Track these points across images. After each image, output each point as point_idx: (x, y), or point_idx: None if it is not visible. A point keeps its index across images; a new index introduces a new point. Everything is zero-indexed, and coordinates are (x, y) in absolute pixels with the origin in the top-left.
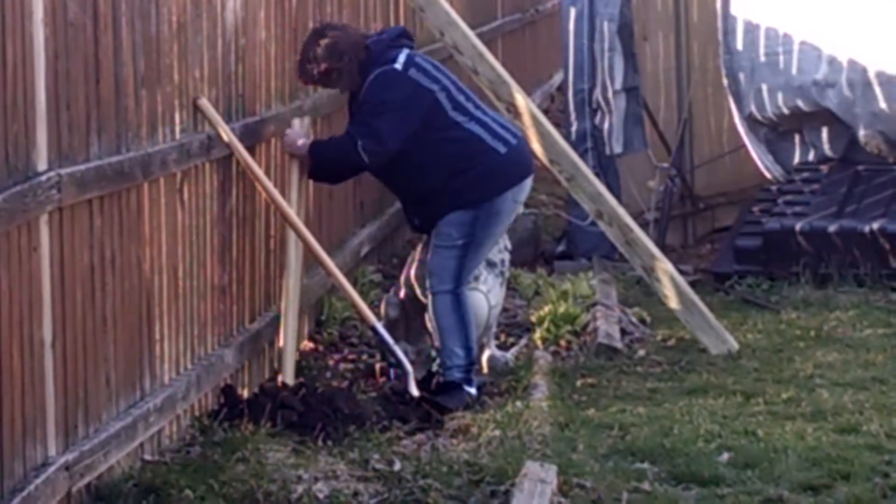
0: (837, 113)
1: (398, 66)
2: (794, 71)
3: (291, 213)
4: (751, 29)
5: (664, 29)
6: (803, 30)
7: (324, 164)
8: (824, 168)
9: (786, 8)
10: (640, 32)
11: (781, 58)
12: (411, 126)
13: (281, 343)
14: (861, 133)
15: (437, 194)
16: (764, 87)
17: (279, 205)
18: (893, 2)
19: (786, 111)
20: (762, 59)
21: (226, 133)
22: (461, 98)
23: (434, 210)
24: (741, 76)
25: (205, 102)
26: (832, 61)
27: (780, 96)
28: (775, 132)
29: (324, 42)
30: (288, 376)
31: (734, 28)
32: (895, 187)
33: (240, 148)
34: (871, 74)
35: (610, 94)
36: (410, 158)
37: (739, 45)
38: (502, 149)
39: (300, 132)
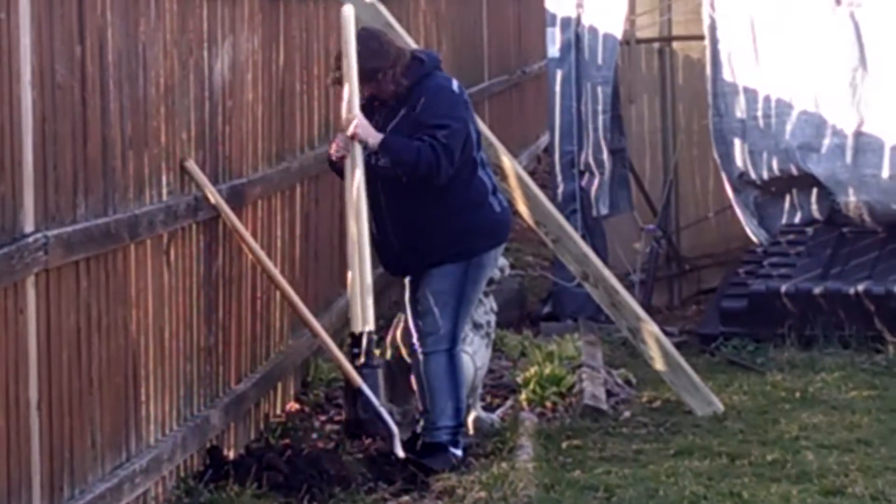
0: (821, 179)
1: (456, 89)
2: (785, 135)
3: (277, 274)
4: (742, 92)
5: (650, 91)
6: (795, 95)
7: (397, 160)
8: (810, 230)
9: (777, 73)
10: (625, 95)
11: (773, 121)
12: (467, 141)
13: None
14: (845, 200)
15: (436, 231)
16: (756, 150)
17: (265, 266)
18: (889, 68)
19: (777, 174)
20: (754, 122)
21: (213, 195)
22: (480, 147)
23: (427, 250)
24: (731, 139)
25: (192, 164)
26: (820, 126)
27: (772, 159)
28: (766, 194)
29: (370, 43)
30: (357, 324)
31: (724, 91)
32: (880, 249)
33: (227, 209)
34: (868, 141)
35: (604, 155)
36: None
37: (730, 108)
38: (497, 207)
39: (367, 124)
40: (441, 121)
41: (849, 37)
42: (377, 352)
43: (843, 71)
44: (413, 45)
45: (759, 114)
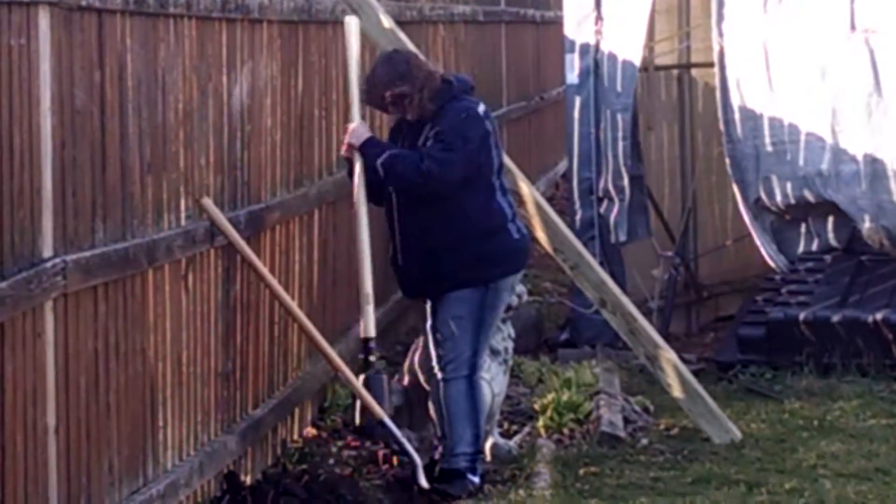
0: (841, 205)
1: (480, 112)
2: (800, 161)
3: (295, 307)
4: (754, 118)
5: (668, 118)
6: (811, 121)
7: (382, 166)
8: (828, 258)
9: (791, 99)
10: (644, 121)
11: (788, 147)
12: (473, 165)
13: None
14: (865, 226)
15: (450, 255)
16: (771, 177)
17: (283, 301)
18: None
19: (792, 201)
20: (768, 148)
21: (229, 233)
22: (501, 173)
23: (443, 274)
24: (746, 164)
25: (208, 202)
26: (837, 152)
27: (787, 186)
28: (782, 220)
29: (399, 67)
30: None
31: (734, 118)
32: None
33: (244, 247)
34: (884, 167)
35: (624, 182)
36: (442, 207)
37: (742, 135)
38: (515, 234)
39: (362, 128)
40: (446, 135)
41: (864, 63)
42: (373, 359)
43: (859, 97)
44: None
45: (774, 140)
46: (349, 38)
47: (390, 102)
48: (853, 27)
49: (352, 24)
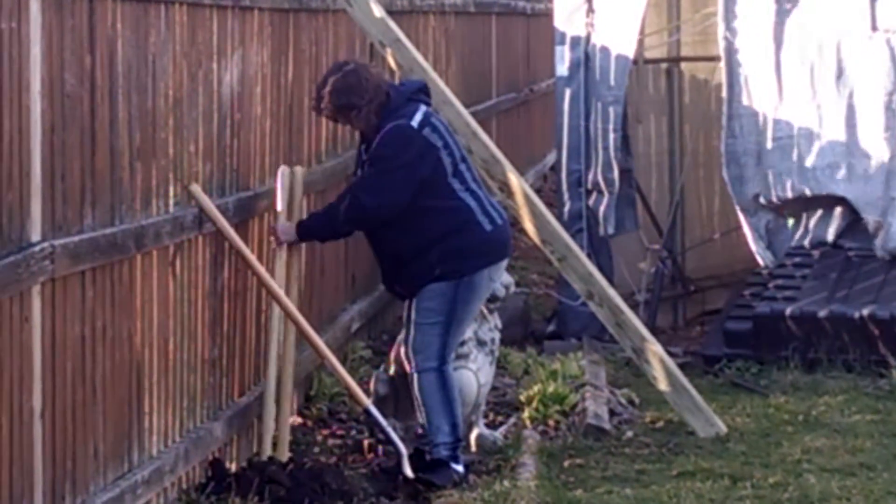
0: (849, 199)
1: (414, 123)
2: (808, 157)
3: (282, 295)
4: (759, 114)
5: (657, 111)
6: (822, 117)
7: (321, 237)
8: (815, 253)
9: (802, 95)
10: (632, 115)
11: (795, 142)
12: (415, 184)
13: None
14: (872, 219)
15: (419, 258)
16: (772, 172)
17: (270, 287)
18: None
19: (790, 195)
20: (772, 143)
21: (217, 220)
22: (462, 167)
23: (414, 275)
24: (746, 160)
25: (196, 189)
26: (851, 146)
27: (788, 181)
28: (779, 218)
29: (349, 78)
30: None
31: (739, 113)
32: (885, 274)
33: (232, 234)
34: None
35: (614, 174)
36: (401, 217)
37: (745, 130)
38: (488, 226)
39: (289, 225)
40: (376, 161)
41: (885, 62)
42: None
43: (878, 95)
44: (422, 61)
45: (778, 135)
46: (283, 185)
47: (338, 113)
48: (874, 27)
49: (285, 173)
